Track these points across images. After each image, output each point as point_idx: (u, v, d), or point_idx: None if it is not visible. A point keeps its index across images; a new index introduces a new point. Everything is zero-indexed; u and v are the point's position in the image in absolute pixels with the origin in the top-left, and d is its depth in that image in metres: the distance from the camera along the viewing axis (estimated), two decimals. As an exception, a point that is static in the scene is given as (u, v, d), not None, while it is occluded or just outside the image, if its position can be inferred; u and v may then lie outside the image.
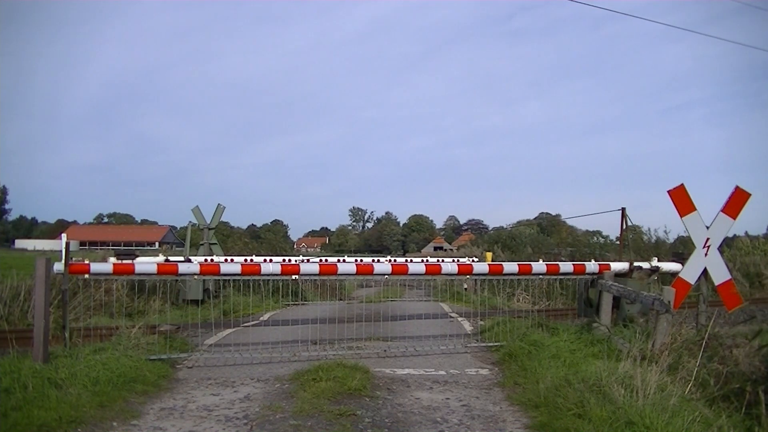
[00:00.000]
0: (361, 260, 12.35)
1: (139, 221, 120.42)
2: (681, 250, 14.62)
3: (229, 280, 11.33)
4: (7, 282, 11.03)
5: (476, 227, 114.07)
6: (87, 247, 51.02)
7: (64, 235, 8.72)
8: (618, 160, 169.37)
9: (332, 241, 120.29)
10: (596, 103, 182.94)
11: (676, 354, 5.63)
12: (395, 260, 14.58)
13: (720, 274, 7.87)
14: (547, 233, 57.73)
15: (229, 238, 36.08)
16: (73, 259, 7.08)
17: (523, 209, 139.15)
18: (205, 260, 12.71)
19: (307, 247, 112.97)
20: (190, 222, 16.25)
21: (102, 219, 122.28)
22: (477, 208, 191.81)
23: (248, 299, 12.48)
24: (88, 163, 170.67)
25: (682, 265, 8.08)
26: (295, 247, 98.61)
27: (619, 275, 8.39)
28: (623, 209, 14.10)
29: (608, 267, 8.22)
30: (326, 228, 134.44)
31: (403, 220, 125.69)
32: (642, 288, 7.99)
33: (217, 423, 4.67)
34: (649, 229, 24.57)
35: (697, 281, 7.81)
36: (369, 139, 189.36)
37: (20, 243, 72.25)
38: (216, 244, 16.31)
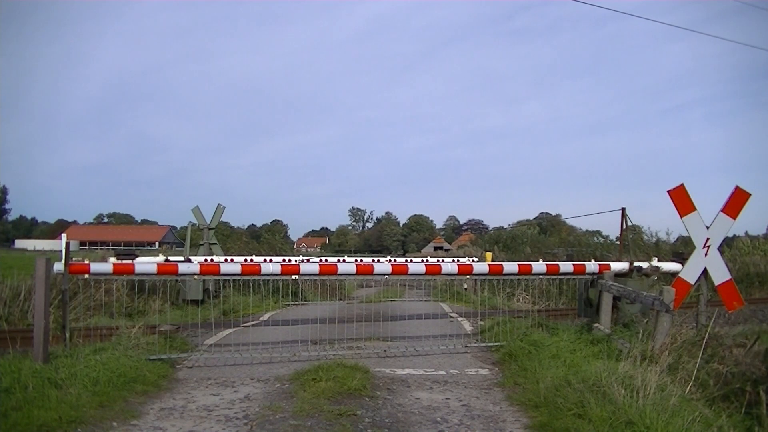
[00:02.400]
0: (361, 260, 12.35)
1: (139, 221, 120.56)
2: (681, 250, 14.62)
3: (229, 280, 11.32)
4: (7, 282, 11.05)
5: (476, 227, 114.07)
6: (87, 247, 51.17)
7: (64, 235, 8.72)
8: (618, 160, 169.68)
9: (332, 241, 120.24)
10: (596, 102, 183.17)
11: (676, 354, 5.63)
12: (395, 260, 14.58)
13: (720, 274, 7.87)
14: (547, 233, 57.67)
15: (229, 238, 36.00)
16: (73, 259, 7.08)
17: (523, 209, 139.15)
18: (205, 260, 12.72)
19: (307, 247, 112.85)
20: (190, 222, 16.26)
21: (102, 219, 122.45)
22: (477, 208, 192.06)
23: (248, 299, 12.47)
24: (88, 163, 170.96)
25: (682, 265, 8.08)
26: (295, 247, 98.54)
27: (619, 275, 8.39)
28: (623, 209, 14.15)
29: (608, 267, 8.22)
30: (326, 228, 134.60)
31: (403, 220, 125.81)
32: (643, 288, 7.98)
33: (217, 423, 4.67)
34: (650, 229, 24.63)
35: (697, 281, 7.81)
36: (369, 139, 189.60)
37: (20, 243, 72.40)
38: (216, 244, 16.32)
